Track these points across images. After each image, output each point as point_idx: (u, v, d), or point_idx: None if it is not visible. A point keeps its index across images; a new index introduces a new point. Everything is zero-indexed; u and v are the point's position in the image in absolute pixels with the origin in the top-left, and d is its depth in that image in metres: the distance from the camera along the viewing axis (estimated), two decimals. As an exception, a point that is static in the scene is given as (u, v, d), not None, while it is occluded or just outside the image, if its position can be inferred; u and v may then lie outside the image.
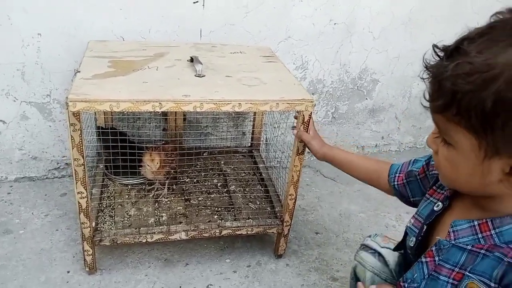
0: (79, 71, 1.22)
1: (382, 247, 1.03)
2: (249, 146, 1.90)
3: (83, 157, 1.15)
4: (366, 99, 2.08)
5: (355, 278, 1.10)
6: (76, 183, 1.19)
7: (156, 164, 1.41)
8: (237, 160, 1.79)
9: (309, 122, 1.29)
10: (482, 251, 0.68)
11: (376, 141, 2.22)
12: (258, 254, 1.54)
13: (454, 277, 0.72)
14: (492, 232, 0.67)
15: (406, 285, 0.80)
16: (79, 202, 1.22)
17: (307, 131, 1.29)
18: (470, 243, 0.70)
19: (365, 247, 1.07)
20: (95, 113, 1.59)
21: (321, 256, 1.57)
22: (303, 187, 1.94)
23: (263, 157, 1.84)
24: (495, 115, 0.55)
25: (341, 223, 1.75)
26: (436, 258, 0.75)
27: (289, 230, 1.48)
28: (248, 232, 1.44)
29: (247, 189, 1.64)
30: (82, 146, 1.13)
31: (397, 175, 1.01)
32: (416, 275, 0.78)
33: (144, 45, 1.49)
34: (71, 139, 1.12)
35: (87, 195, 1.22)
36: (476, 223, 0.69)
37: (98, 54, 1.37)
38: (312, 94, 1.98)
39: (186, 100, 1.12)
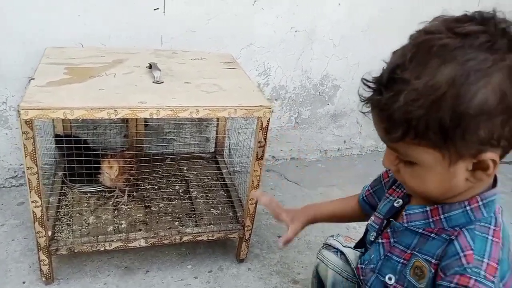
0: (33, 79, 1.20)
1: (345, 246, 1.06)
2: (212, 152, 1.91)
3: (36, 166, 1.13)
4: (328, 104, 2.12)
5: (317, 276, 1.13)
6: (30, 192, 1.17)
7: (115, 172, 1.40)
8: (201, 166, 1.79)
9: (267, 128, 1.31)
10: (432, 235, 0.72)
11: (338, 145, 2.27)
12: (220, 259, 1.55)
13: (404, 257, 0.76)
14: (441, 216, 0.71)
15: (363, 266, 0.83)
16: (33, 211, 1.20)
17: (265, 138, 1.30)
18: (421, 227, 0.74)
19: (327, 246, 1.10)
20: (53, 120, 1.56)
21: (283, 259, 1.59)
22: (267, 191, 1.96)
23: (226, 162, 1.86)
24: (453, 128, 0.58)
25: (303, 226, 1.78)
26: (391, 240, 0.79)
27: (250, 234, 1.49)
28: (209, 238, 1.45)
29: (209, 195, 1.65)
30: (35, 154, 1.11)
31: (365, 189, 1.04)
32: (373, 256, 0.82)
33: (103, 51, 1.48)
34: (24, 147, 1.10)
35: (41, 204, 1.20)
36: (428, 208, 0.73)
37: (54, 61, 1.35)
38: (275, 100, 2.01)
39: (142, 107, 1.12)
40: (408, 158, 0.66)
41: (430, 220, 0.72)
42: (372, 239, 0.85)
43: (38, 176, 1.15)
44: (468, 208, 0.69)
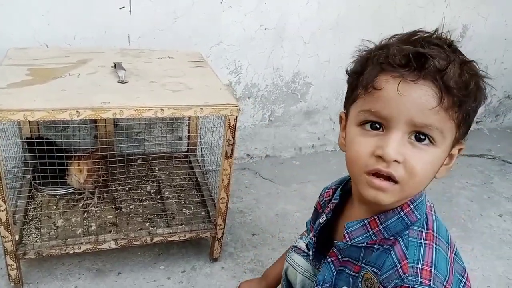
0: (-7, 80, 1.18)
1: None
2: (185, 151, 1.90)
3: (-1, 169, 1.11)
4: (301, 101, 2.13)
5: (286, 280, 1.12)
6: (-7, 196, 1.15)
7: (82, 173, 1.38)
8: (173, 166, 1.78)
9: (235, 126, 1.30)
10: (376, 246, 0.74)
11: (312, 142, 2.28)
12: (194, 259, 1.54)
13: (354, 270, 0.78)
14: (380, 227, 0.73)
15: (320, 287, 0.84)
16: (-2, 216, 1.18)
17: (233, 136, 1.30)
18: (364, 241, 0.76)
19: (296, 249, 1.09)
20: (19, 122, 1.54)
21: (257, 257, 1.60)
22: (242, 190, 1.97)
23: (199, 161, 1.85)
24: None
25: (277, 223, 1.79)
26: (339, 257, 0.81)
27: (222, 233, 1.49)
28: (181, 238, 1.44)
29: (181, 195, 1.64)
30: (-4, 157, 1.09)
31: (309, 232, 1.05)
32: (326, 274, 0.83)
33: (68, 52, 1.46)
34: (-16, 151, 1.08)
35: (6, 208, 1.18)
36: (366, 221, 0.75)
37: (16, 62, 1.33)
38: (248, 98, 2.01)
39: (105, 107, 1.11)
40: (436, 134, 0.64)
41: (371, 232, 0.74)
42: (311, 258, 0.90)
43: (1, 180, 1.12)
44: (402, 213, 0.72)
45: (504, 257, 1.70)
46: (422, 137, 0.64)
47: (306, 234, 1.07)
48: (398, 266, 0.68)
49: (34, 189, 1.54)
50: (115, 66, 1.34)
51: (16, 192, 1.49)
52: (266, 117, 2.11)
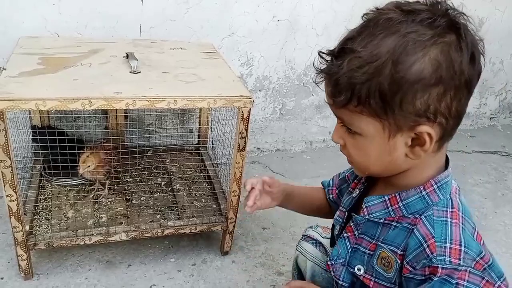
0: (4, 69, 1.16)
1: (323, 237, 1.06)
2: (196, 144, 1.89)
3: (10, 159, 1.10)
4: (312, 95, 2.11)
5: (297, 268, 1.12)
6: (5, 185, 1.14)
7: (93, 164, 1.36)
8: (183, 158, 1.77)
9: (248, 119, 1.28)
10: (393, 223, 0.74)
11: (323, 136, 2.26)
12: (204, 252, 1.53)
13: (370, 248, 0.77)
14: (400, 204, 0.73)
15: (333, 262, 0.83)
16: (9, 206, 1.17)
17: (246, 128, 1.28)
18: (382, 217, 0.75)
19: (306, 237, 1.09)
20: (29, 112, 1.53)
21: (268, 251, 1.58)
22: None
23: (210, 154, 1.83)
24: (392, 95, 0.62)
25: (289, 217, 1.77)
26: (356, 232, 0.80)
27: (234, 226, 1.48)
28: (192, 231, 1.43)
29: (192, 188, 1.62)
30: (8, 147, 1.08)
31: (330, 188, 1.04)
32: (340, 250, 0.82)
33: (79, 41, 1.45)
34: (-4, 140, 1.07)
35: (17, 197, 1.17)
36: (386, 197, 0.75)
37: (28, 51, 1.32)
38: (259, 90, 1.99)
39: (118, 97, 1.10)
40: (352, 127, 0.69)
41: (390, 209, 0.74)
42: (337, 233, 0.86)
43: (12, 170, 1.11)
44: (424, 192, 0.71)
45: (519, 255, 1.67)
46: (348, 128, 0.70)
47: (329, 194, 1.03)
48: (425, 245, 0.67)
49: (45, 179, 1.54)
50: (127, 56, 1.32)
51: (27, 183, 1.48)
52: (277, 110, 2.09)
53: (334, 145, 2.30)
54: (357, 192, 0.83)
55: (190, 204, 1.53)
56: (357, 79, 0.63)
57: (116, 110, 1.59)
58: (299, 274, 1.11)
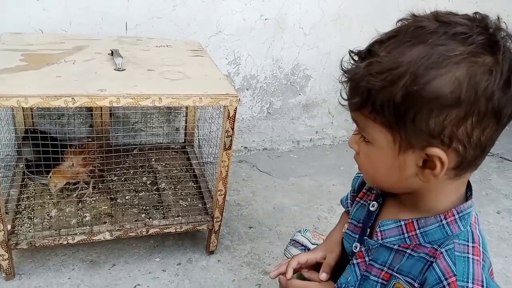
0: (-15, 65, 1.14)
1: (313, 244, 1.04)
2: (182, 142, 1.88)
3: (-10, 156, 1.08)
4: (300, 94, 2.11)
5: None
6: (-15, 184, 1.12)
7: (60, 183, 1.35)
8: (169, 157, 1.76)
9: (234, 117, 1.27)
10: (408, 251, 0.69)
11: (310, 136, 2.26)
12: (190, 252, 1.52)
13: (383, 277, 0.73)
14: (417, 231, 0.68)
15: None
16: (-11, 205, 1.15)
17: (232, 127, 1.27)
18: (397, 243, 0.71)
19: (295, 242, 1.07)
20: (12, 109, 1.50)
21: (254, 250, 1.58)
22: (239, 182, 1.94)
23: (196, 153, 1.82)
24: (405, 109, 0.58)
25: (275, 216, 1.77)
26: (366, 258, 0.76)
27: (220, 226, 1.47)
28: (177, 230, 1.42)
29: (178, 187, 1.61)
30: (-12, 144, 1.06)
31: (348, 202, 0.97)
32: (349, 277, 0.78)
33: (64, 38, 1.43)
34: (-24, 137, 1.05)
35: (-2, 196, 1.15)
36: (402, 223, 0.70)
37: (10, 47, 1.29)
38: (246, 89, 1.99)
39: (102, 94, 1.08)
40: (365, 133, 0.66)
41: (406, 235, 0.69)
42: (356, 250, 0.80)
43: (-8, 168, 1.09)
44: (444, 222, 0.67)
45: (502, 254, 1.69)
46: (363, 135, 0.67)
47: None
48: (445, 283, 0.63)
49: (27, 178, 1.51)
50: (112, 54, 1.31)
51: (9, 181, 1.46)
52: (264, 110, 2.09)
53: (321, 144, 2.32)
54: (376, 206, 0.78)
55: (176, 203, 1.52)
56: (374, 85, 0.59)
57: (101, 108, 1.57)
58: None
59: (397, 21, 0.64)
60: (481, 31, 0.57)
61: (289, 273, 0.86)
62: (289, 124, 2.18)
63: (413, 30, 0.60)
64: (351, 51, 0.65)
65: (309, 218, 1.79)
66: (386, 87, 0.58)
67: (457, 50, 0.56)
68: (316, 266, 0.90)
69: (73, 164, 1.38)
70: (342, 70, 0.65)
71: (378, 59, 0.59)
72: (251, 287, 1.43)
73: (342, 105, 0.67)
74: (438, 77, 0.56)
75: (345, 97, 0.66)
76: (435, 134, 0.58)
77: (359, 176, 0.90)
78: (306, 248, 1.04)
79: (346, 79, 0.65)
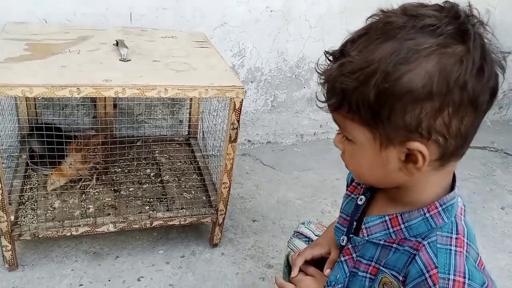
0: (-11, 54, 1.13)
1: (316, 235, 1.04)
2: (186, 135, 1.86)
3: (-6, 147, 1.07)
4: (304, 87, 2.09)
5: (288, 265, 1.10)
6: (-11, 174, 1.11)
7: (76, 162, 1.34)
8: (173, 149, 1.74)
9: (240, 109, 1.26)
10: (394, 245, 0.70)
11: (314, 129, 2.25)
12: (193, 244, 1.51)
13: (370, 272, 0.74)
14: (402, 226, 0.69)
15: None
16: (-7, 195, 1.14)
17: (238, 120, 1.26)
18: (382, 238, 0.71)
19: (298, 234, 1.07)
20: (15, 99, 1.49)
21: (257, 243, 1.57)
22: (242, 175, 1.93)
23: (200, 145, 1.81)
24: (380, 107, 0.58)
25: (278, 210, 1.76)
26: (354, 255, 0.76)
27: (224, 219, 1.46)
28: (181, 223, 1.41)
29: (182, 179, 1.60)
30: (-8, 134, 1.05)
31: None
32: (338, 275, 0.79)
33: (68, 28, 1.41)
34: (-20, 127, 1.04)
35: (2, 187, 1.14)
36: (387, 218, 0.71)
37: (14, 37, 1.28)
38: (251, 82, 1.97)
39: (107, 85, 1.07)
40: (346, 133, 0.66)
41: (391, 230, 0.70)
42: (343, 244, 0.81)
43: (-4, 158, 1.08)
44: (428, 215, 0.67)
45: (506, 250, 1.69)
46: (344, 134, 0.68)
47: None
48: (427, 275, 0.63)
49: (30, 169, 1.50)
50: (117, 44, 1.29)
51: (12, 172, 1.45)
52: (268, 103, 2.07)
53: (325, 138, 2.31)
54: (364, 200, 0.79)
55: (180, 195, 1.51)
56: (348, 85, 0.59)
57: (105, 98, 1.56)
58: (289, 271, 1.10)
59: (367, 18, 0.64)
60: (450, 20, 0.57)
61: (295, 272, 0.88)
62: (293, 117, 2.17)
63: (382, 27, 0.59)
64: (326, 52, 0.65)
65: (313, 212, 1.78)
66: (359, 87, 0.58)
67: (426, 43, 0.56)
68: (317, 259, 0.91)
69: (73, 161, 1.37)
70: (317, 72, 0.65)
71: (350, 59, 0.59)
72: (255, 280, 1.42)
73: (319, 107, 0.67)
74: (408, 72, 0.56)
75: (323, 99, 0.65)
76: (413, 128, 0.58)
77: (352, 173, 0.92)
78: (309, 240, 1.04)
79: (322, 81, 0.64)
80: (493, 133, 2.62)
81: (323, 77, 0.64)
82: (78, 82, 1.05)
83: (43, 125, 1.43)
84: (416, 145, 0.59)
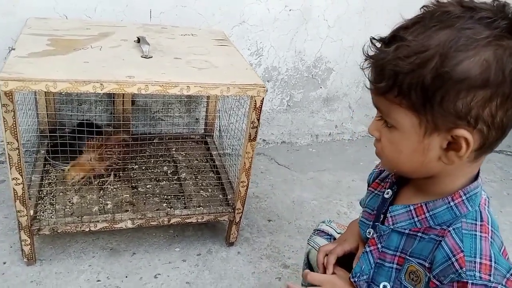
0: (13, 49, 1.13)
1: (338, 233, 1.03)
2: (202, 133, 1.86)
3: (17, 141, 1.07)
4: (321, 87, 2.08)
5: (308, 263, 1.09)
6: (11, 168, 1.11)
7: (77, 176, 1.37)
8: (190, 147, 1.74)
9: (261, 108, 1.25)
10: (419, 234, 0.71)
11: (329, 130, 2.23)
12: (209, 242, 1.51)
13: (397, 262, 0.75)
14: (427, 215, 0.71)
15: (356, 280, 0.80)
16: (14, 189, 1.15)
17: (258, 118, 1.25)
18: (407, 227, 0.73)
19: (319, 232, 1.07)
20: (35, 93, 1.50)
21: (273, 243, 1.56)
22: (257, 175, 1.93)
23: (216, 144, 1.81)
24: (434, 91, 0.60)
25: (294, 210, 1.75)
26: (379, 245, 0.77)
27: (241, 217, 1.46)
28: (199, 220, 1.41)
29: (199, 177, 1.60)
30: (16, 128, 1.05)
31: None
32: (364, 266, 0.79)
33: (89, 24, 1.41)
34: (4, 121, 1.04)
35: (23, 181, 1.14)
36: (412, 207, 0.72)
37: (36, 32, 1.28)
38: (267, 81, 1.96)
39: (130, 81, 1.07)
40: (389, 119, 0.67)
41: (416, 219, 0.72)
42: (370, 236, 0.82)
43: (19, 152, 1.09)
44: (452, 203, 0.69)
45: (525, 255, 1.66)
46: (386, 121, 0.68)
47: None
48: (453, 259, 0.65)
49: (48, 164, 1.51)
50: (138, 41, 1.29)
51: (31, 166, 1.46)
52: (284, 102, 2.06)
53: (340, 139, 2.29)
54: (390, 193, 0.80)
55: (197, 193, 1.51)
56: (402, 68, 0.61)
57: (123, 95, 1.56)
58: (310, 269, 1.09)
59: (421, 8, 0.65)
60: (504, 15, 0.60)
61: (330, 270, 0.87)
62: (309, 117, 2.15)
63: (439, 15, 0.61)
64: (373, 38, 0.67)
65: (329, 213, 1.77)
66: (415, 70, 0.60)
67: (483, 34, 0.58)
68: (345, 256, 0.91)
69: (91, 158, 1.37)
70: (367, 56, 0.66)
71: (406, 43, 0.61)
72: (271, 280, 1.42)
73: (368, 88, 0.68)
74: (467, 59, 0.58)
75: (370, 82, 0.67)
76: (462, 115, 0.60)
77: (374, 172, 0.92)
78: (331, 237, 1.03)
79: (370, 65, 0.66)
80: (509, 137, 2.55)
81: (372, 60, 0.65)
82: (101, 78, 1.05)
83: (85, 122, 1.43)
84: (463, 132, 0.61)
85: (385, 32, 0.67)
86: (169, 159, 1.66)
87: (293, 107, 2.09)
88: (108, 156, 1.41)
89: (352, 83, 2.12)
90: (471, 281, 0.63)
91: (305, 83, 2.04)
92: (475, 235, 0.66)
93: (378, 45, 0.65)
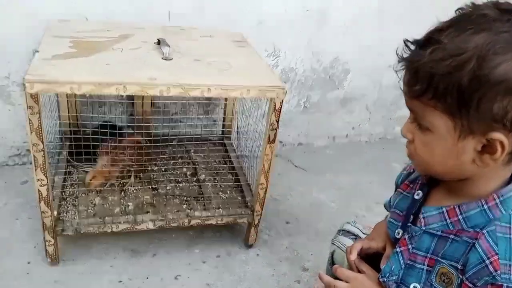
0: (37, 51, 1.15)
1: (364, 234, 1.03)
2: (220, 135, 1.86)
3: (42, 142, 1.09)
4: (338, 88, 2.07)
5: (333, 263, 1.08)
6: (36, 169, 1.13)
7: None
8: (208, 149, 1.75)
9: (280, 110, 1.25)
10: (451, 236, 0.71)
11: (347, 131, 2.22)
12: (228, 244, 1.51)
13: (428, 263, 0.74)
14: (460, 217, 0.70)
15: (385, 280, 0.80)
16: (39, 190, 1.16)
17: (277, 120, 1.25)
18: (440, 229, 0.72)
19: (345, 232, 1.06)
20: (57, 95, 1.51)
21: (292, 246, 1.56)
22: (275, 177, 1.92)
23: (234, 146, 1.81)
24: (470, 93, 0.59)
25: (312, 212, 1.74)
26: (410, 246, 0.77)
27: (259, 220, 1.45)
28: (218, 222, 1.41)
29: (217, 179, 1.60)
30: (41, 130, 1.07)
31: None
32: (393, 266, 0.79)
33: (109, 25, 1.43)
34: (29, 123, 1.06)
35: (47, 182, 1.16)
36: (444, 209, 0.72)
37: (58, 34, 1.30)
38: (284, 82, 1.96)
39: (153, 83, 1.07)
40: (423, 121, 0.67)
41: (448, 221, 0.72)
42: (398, 236, 0.82)
43: (44, 154, 1.10)
44: (485, 206, 0.68)
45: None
46: (419, 124, 0.68)
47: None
48: (487, 262, 0.65)
49: (71, 165, 1.53)
50: (158, 42, 1.30)
51: (53, 168, 1.47)
52: (301, 103, 2.06)
53: (357, 141, 2.28)
54: (421, 194, 0.79)
55: (216, 195, 1.51)
56: (438, 70, 0.60)
57: (143, 97, 1.57)
58: None
59: (456, 10, 0.65)
60: None
61: (354, 254, 0.88)
62: (326, 119, 2.14)
63: (476, 18, 0.61)
64: (406, 40, 0.66)
65: (347, 216, 1.75)
66: (451, 73, 0.59)
67: None
68: (370, 256, 0.90)
69: (109, 162, 1.39)
70: (401, 58, 0.66)
71: (442, 45, 0.61)
72: (290, 283, 1.41)
73: (403, 92, 0.68)
74: (505, 62, 0.58)
75: (403, 85, 0.67)
76: (498, 119, 0.59)
77: (402, 174, 0.91)
78: (357, 237, 1.03)
79: (404, 67, 0.66)
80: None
81: (407, 62, 0.65)
82: (124, 80, 1.06)
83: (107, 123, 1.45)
84: (498, 135, 0.60)
85: (402, 32, 0.68)
86: (188, 160, 1.67)
87: (310, 108, 2.08)
88: (127, 158, 1.42)
89: (369, 84, 2.11)
90: (506, 284, 0.62)
91: (322, 84, 2.03)
92: (510, 238, 0.66)
93: (413, 47, 0.65)
